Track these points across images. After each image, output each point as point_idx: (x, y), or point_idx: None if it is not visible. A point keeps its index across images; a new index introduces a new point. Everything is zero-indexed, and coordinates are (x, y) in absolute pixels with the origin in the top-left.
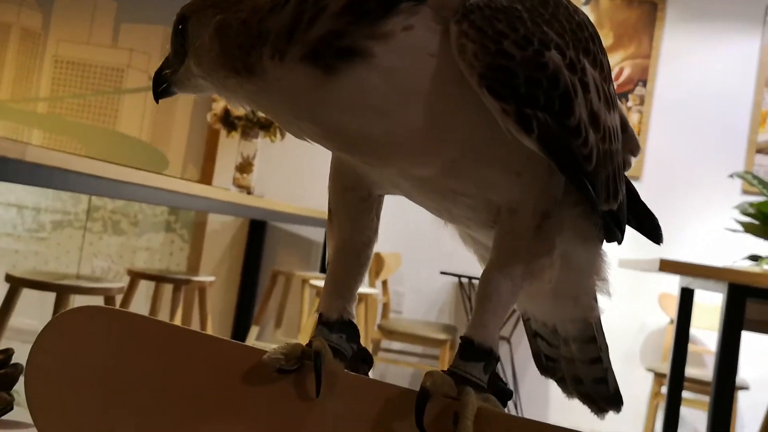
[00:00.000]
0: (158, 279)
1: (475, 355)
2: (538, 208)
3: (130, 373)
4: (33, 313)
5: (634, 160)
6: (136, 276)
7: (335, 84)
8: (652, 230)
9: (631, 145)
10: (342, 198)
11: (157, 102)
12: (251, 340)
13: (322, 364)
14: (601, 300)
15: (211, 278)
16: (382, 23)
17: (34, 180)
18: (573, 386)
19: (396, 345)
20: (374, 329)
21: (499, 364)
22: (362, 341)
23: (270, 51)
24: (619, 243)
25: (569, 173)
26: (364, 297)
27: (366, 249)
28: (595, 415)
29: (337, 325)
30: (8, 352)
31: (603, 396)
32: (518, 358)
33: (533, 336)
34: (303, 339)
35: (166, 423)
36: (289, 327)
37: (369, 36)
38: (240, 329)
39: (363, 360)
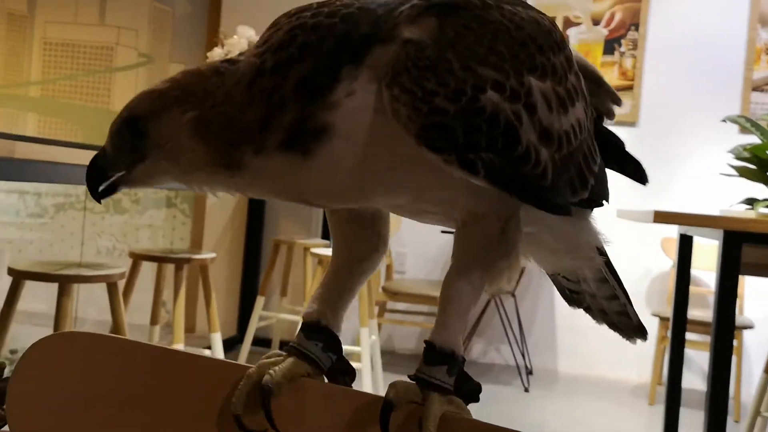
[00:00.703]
0: (160, 260)
1: (438, 359)
2: (501, 215)
3: (108, 396)
4: (42, 296)
5: (619, 109)
6: (138, 258)
7: (311, 162)
8: (636, 172)
9: (612, 98)
10: (331, 217)
11: (99, 202)
12: (258, 311)
13: (271, 399)
14: (604, 246)
15: (212, 255)
16: (332, 93)
17: (25, 176)
18: (600, 316)
19: (401, 305)
20: (378, 291)
21: (504, 320)
22: (365, 304)
23: (253, 145)
24: (601, 206)
25: (523, 196)
26: None
27: (361, 263)
28: (626, 340)
29: (315, 330)
30: (0, 367)
31: (628, 326)
32: (524, 311)
33: (554, 275)
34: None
35: None
36: (294, 295)
37: (324, 108)
38: (246, 301)
39: (344, 372)
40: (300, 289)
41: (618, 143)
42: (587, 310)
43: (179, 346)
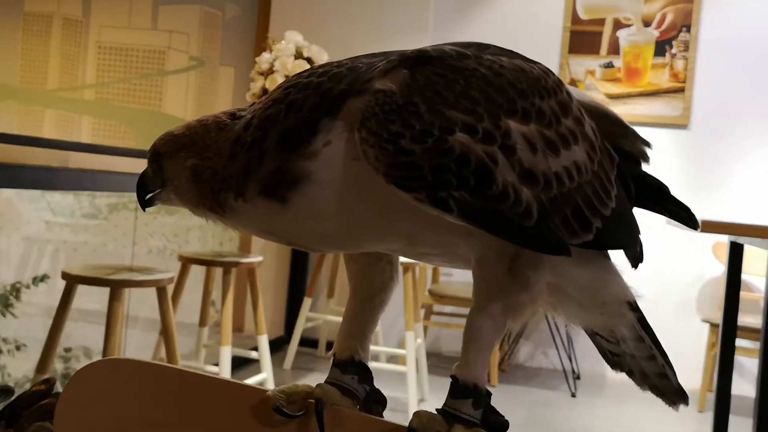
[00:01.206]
0: (208, 263)
1: (463, 393)
2: (502, 254)
3: (148, 420)
4: (95, 294)
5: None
6: (186, 261)
7: (291, 208)
8: (685, 217)
9: (641, 140)
10: (346, 254)
11: (144, 210)
12: (305, 312)
13: (323, 410)
14: (636, 301)
15: (259, 258)
16: (310, 144)
17: (80, 185)
18: (642, 379)
19: (448, 308)
20: (424, 294)
21: (552, 324)
22: (411, 308)
23: (234, 193)
24: (627, 248)
25: (503, 234)
26: (410, 266)
27: (380, 294)
28: (669, 407)
29: (349, 365)
30: (50, 382)
31: (669, 389)
32: None
33: (593, 335)
34: None
35: None
36: (341, 296)
37: (303, 158)
38: (293, 302)
39: (376, 401)
40: (347, 291)
41: (660, 187)
42: (630, 374)
43: (227, 348)
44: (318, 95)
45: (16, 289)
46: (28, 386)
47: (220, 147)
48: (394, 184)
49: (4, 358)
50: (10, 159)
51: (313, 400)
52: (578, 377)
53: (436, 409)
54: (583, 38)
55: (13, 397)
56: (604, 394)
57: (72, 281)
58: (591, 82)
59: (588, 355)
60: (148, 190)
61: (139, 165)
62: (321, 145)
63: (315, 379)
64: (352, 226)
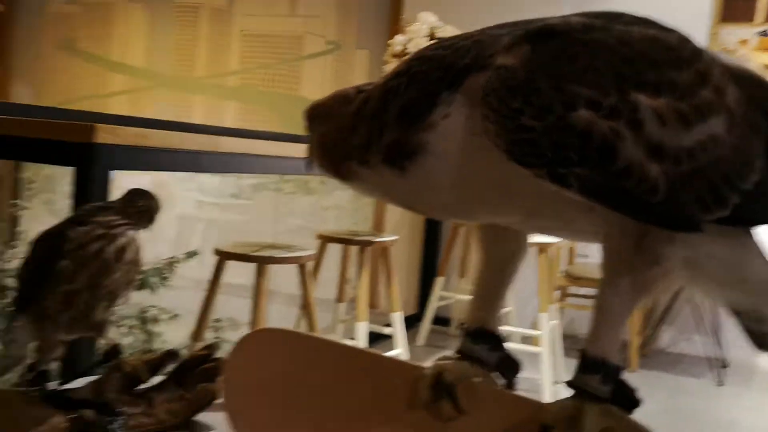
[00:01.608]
0: (345, 242)
1: (591, 367)
2: (627, 230)
3: (304, 385)
4: (238, 269)
5: None
6: (325, 240)
7: (409, 177)
8: None
9: None
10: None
11: (307, 169)
12: (437, 291)
13: (456, 389)
14: None
15: (394, 237)
16: (429, 117)
17: (229, 168)
18: None
19: (584, 290)
20: (559, 275)
21: (698, 308)
22: (545, 289)
23: (357, 161)
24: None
25: (626, 211)
26: (545, 247)
27: (510, 264)
28: None
29: (479, 335)
30: (211, 348)
31: None
32: None
33: (735, 313)
34: None
35: (336, 430)
36: (473, 275)
37: (422, 130)
38: (426, 280)
39: (509, 367)
40: None
41: None
42: None
43: (363, 324)
44: (441, 69)
45: (170, 264)
46: (185, 351)
47: (343, 119)
48: (515, 160)
49: (162, 326)
50: (167, 144)
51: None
52: (725, 365)
53: (567, 382)
54: (735, 4)
55: (179, 360)
56: (753, 384)
57: (222, 257)
58: (745, 53)
59: (738, 342)
60: (308, 158)
61: (280, 148)
62: (440, 118)
63: None
64: (467, 198)
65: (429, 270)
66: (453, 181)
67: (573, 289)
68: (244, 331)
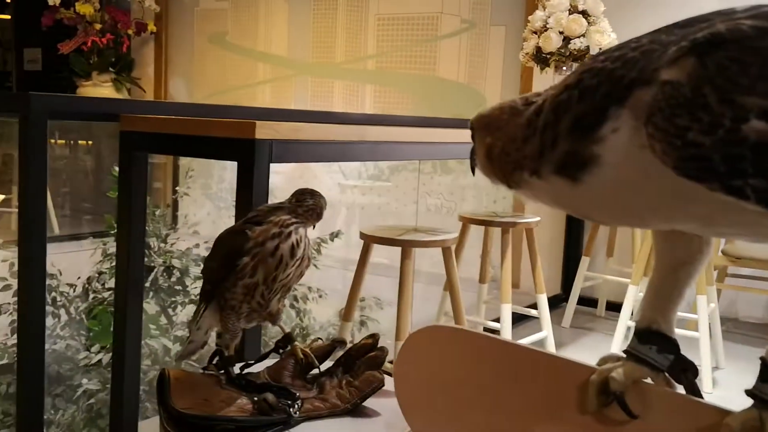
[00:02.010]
0: (487, 223)
1: None
2: None
3: (472, 381)
4: (384, 250)
5: None
6: (467, 221)
7: (580, 187)
8: None
9: None
10: None
11: (473, 174)
12: (582, 271)
13: (625, 394)
14: None
15: (537, 219)
16: (600, 130)
17: (375, 156)
18: None
19: (745, 270)
20: (718, 255)
21: None
22: (703, 270)
23: (528, 171)
24: None
25: None
26: None
27: (686, 266)
28: None
29: (647, 335)
30: (375, 337)
31: None
32: None
33: None
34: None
35: (504, 427)
36: (620, 256)
37: (593, 142)
38: (570, 261)
39: (684, 369)
40: (627, 251)
41: None
42: None
43: (507, 306)
44: (609, 83)
45: (318, 244)
46: (331, 330)
47: (512, 131)
48: (685, 176)
49: (310, 304)
50: (318, 136)
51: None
52: None
53: (746, 392)
54: None
55: (346, 348)
56: None
57: (368, 240)
58: None
59: None
60: (473, 159)
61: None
62: (609, 132)
63: (594, 339)
64: (637, 207)
65: (573, 250)
66: (625, 192)
67: (733, 269)
68: (388, 310)
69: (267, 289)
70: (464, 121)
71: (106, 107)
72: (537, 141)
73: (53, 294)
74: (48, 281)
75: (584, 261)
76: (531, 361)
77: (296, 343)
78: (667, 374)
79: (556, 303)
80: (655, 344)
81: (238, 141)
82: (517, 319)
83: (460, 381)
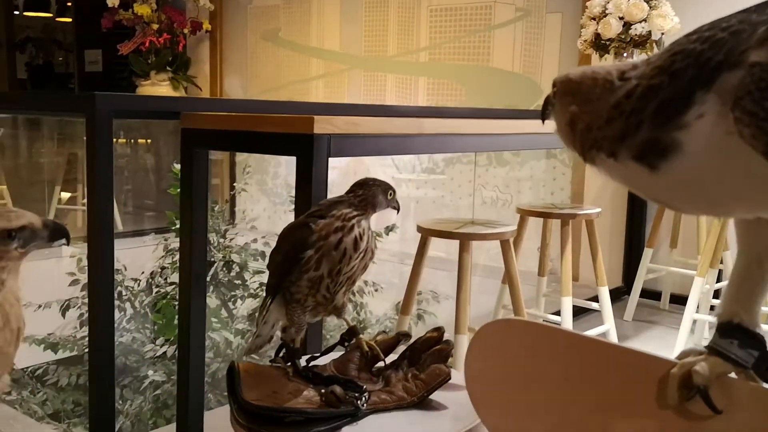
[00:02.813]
0: (545, 215)
1: None
2: None
3: (545, 375)
4: (440, 244)
5: None
6: (525, 213)
7: (659, 174)
8: None
9: None
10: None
11: (543, 122)
12: (645, 263)
13: (709, 389)
14: None
15: (597, 210)
16: (684, 116)
17: (431, 148)
18: None
19: None
20: None
21: None
22: None
23: (606, 152)
24: None
25: None
26: None
27: None
28: None
29: (728, 329)
30: (440, 331)
31: None
32: None
33: None
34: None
35: (579, 421)
36: (685, 247)
37: (676, 129)
38: (632, 252)
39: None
40: (692, 242)
41: None
42: None
43: (568, 299)
44: (696, 66)
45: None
46: (388, 323)
47: (600, 107)
48: None
49: (367, 298)
50: (374, 130)
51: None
52: None
53: None
54: None
55: (411, 341)
56: None
57: (426, 234)
58: None
59: None
60: (547, 111)
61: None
62: (694, 118)
63: (658, 332)
64: (720, 195)
65: (635, 241)
66: (707, 180)
67: None
68: (445, 303)
69: (332, 282)
70: (520, 112)
71: (168, 105)
72: (620, 125)
73: (119, 288)
74: (114, 276)
75: (647, 252)
76: (607, 355)
77: (361, 336)
78: (752, 371)
79: (618, 296)
80: (737, 339)
81: (297, 136)
82: (578, 312)
83: (533, 375)
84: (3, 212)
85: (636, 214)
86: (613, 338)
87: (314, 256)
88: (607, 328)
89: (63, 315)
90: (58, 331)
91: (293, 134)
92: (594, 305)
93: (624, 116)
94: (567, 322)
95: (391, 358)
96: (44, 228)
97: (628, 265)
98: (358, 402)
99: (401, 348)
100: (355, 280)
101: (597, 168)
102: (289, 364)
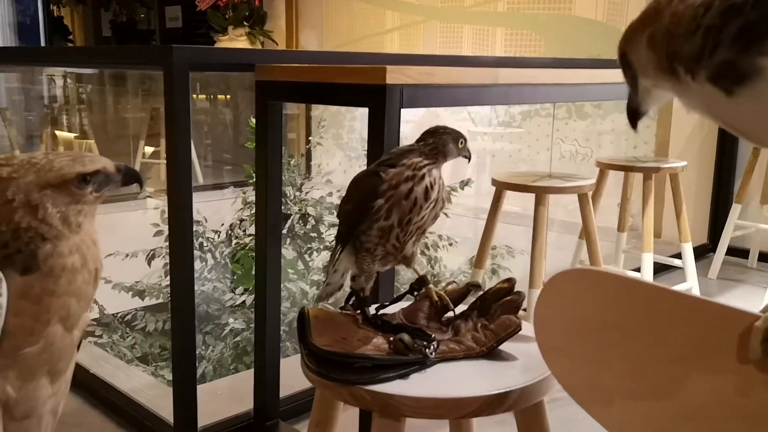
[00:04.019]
0: (627, 169)
1: None
2: None
3: (618, 325)
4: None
5: None
6: (605, 167)
7: (736, 100)
8: None
9: None
10: None
11: (635, 129)
12: (733, 219)
13: None
14: None
15: (683, 163)
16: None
17: (508, 99)
18: None
19: None
20: None
21: None
22: None
23: (684, 69)
24: None
25: None
26: None
27: None
28: None
29: None
30: (511, 281)
31: None
32: None
33: None
34: None
35: (653, 373)
36: None
37: (759, 54)
38: (719, 208)
39: None
40: None
41: None
42: None
43: (648, 255)
44: None
45: (447, 193)
46: (462, 278)
47: (681, 12)
48: None
49: (441, 252)
50: (449, 80)
51: None
52: None
53: None
54: None
55: (481, 292)
56: None
57: (501, 187)
58: None
59: None
60: (638, 113)
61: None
62: None
63: (744, 291)
64: None
65: (723, 197)
66: None
67: None
68: (520, 258)
69: (402, 231)
70: (603, 62)
71: (242, 58)
72: (697, 42)
73: (200, 240)
74: (195, 227)
75: (735, 208)
76: (684, 307)
77: (431, 285)
78: None
79: (703, 253)
80: None
81: (369, 87)
82: (659, 269)
83: (606, 325)
84: (77, 157)
85: (725, 169)
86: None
87: (384, 205)
88: (689, 285)
89: (149, 264)
90: (145, 279)
91: (365, 85)
92: (676, 262)
93: (701, 32)
94: (647, 278)
95: (462, 308)
96: (117, 172)
97: (714, 221)
98: (426, 350)
99: (471, 299)
100: (425, 230)
101: (679, 88)
102: (358, 311)
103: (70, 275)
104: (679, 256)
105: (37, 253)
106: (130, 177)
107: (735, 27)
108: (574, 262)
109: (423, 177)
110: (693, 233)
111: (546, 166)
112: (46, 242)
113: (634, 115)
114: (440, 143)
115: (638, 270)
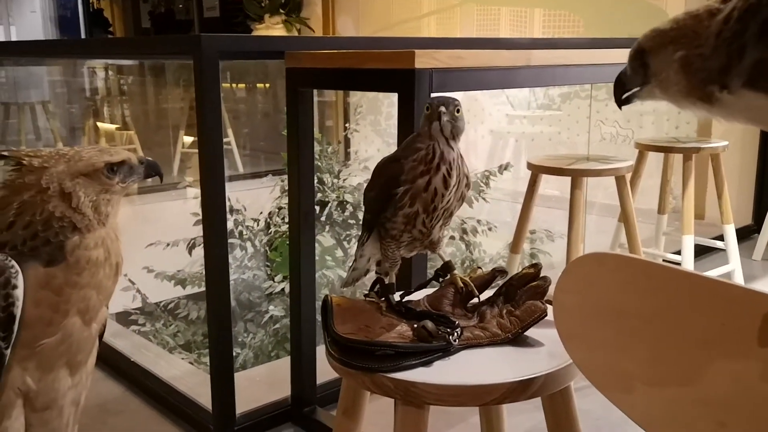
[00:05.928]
0: (666, 150)
1: None
2: None
3: (638, 310)
4: (555, 182)
5: None
6: (644, 149)
7: None
8: None
9: None
10: None
11: (620, 108)
12: None
13: None
14: None
15: (724, 143)
16: None
17: (541, 81)
18: None
19: None
20: None
21: None
22: None
23: (717, 86)
24: None
25: None
26: None
27: None
28: None
29: None
30: (537, 267)
31: None
32: None
33: None
34: None
35: (674, 358)
36: None
37: None
38: (763, 189)
39: None
40: None
41: None
42: None
43: (689, 237)
44: None
45: (486, 177)
46: (500, 262)
47: (709, 36)
48: None
49: (480, 237)
50: (480, 63)
51: None
52: None
53: None
54: None
55: (507, 278)
56: None
57: (536, 171)
58: None
59: None
60: (626, 89)
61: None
62: None
63: None
64: None
65: (766, 177)
66: None
67: None
68: (559, 242)
69: (428, 217)
70: None
71: (271, 45)
72: (723, 53)
73: (239, 228)
74: (234, 216)
75: None
76: (705, 290)
77: (456, 271)
78: None
79: (747, 234)
80: None
81: (398, 71)
82: (701, 251)
83: (625, 310)
84: (103, 149)
85: None
86: (739, 278)
87: (407, 193)
88: (732, 267)
89: (189, 253)
90: (186, 267)
91: (394, 70)
92: (719, 244)
93: (726, 42)
94: (688, 261)
95: (488, 294)
96: (140, 164)
97: (759, 202)
98: (450, 337)
99: (499, 284)
100: (452, 213)
101: (715, 110)
102: (382, 298)
103: (94, 268)
104: (722, 238)
105: (65, 244)
106: (152, 169)
107: (756, 25)
108: (614, 245)
109: (438, 167)
110: (737, 214)
111: (585, 149)
112: (74, 233)
113: (623, 99)
114: (455, 124)
115: (679, 253)
